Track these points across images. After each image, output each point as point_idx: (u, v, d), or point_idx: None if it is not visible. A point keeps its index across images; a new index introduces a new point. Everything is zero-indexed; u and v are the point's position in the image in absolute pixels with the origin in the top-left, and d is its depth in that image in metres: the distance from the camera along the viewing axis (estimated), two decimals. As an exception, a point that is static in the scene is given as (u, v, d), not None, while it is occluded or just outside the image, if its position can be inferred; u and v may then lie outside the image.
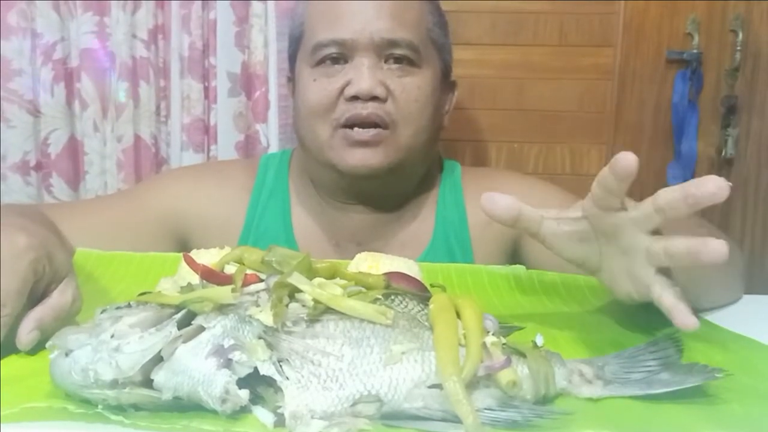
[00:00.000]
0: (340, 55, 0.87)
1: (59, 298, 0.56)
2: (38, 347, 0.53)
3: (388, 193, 0.93)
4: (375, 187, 0.91)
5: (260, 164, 1.00)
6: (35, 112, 1.29)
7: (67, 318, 0.56)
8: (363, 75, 0.85)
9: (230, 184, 0.97)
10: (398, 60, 0.87)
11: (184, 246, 0.94)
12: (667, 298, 0.51)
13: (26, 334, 0.53)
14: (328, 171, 0.90)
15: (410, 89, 0.87)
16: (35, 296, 0.55)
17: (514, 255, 0.94)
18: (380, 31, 0.86)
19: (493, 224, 0.91)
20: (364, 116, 0.85)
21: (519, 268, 0.80)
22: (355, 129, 0.86)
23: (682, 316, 0.50)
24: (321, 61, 0.88)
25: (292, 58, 0.95)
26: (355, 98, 0.85)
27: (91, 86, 1.29)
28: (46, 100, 1.29)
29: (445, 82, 0.96)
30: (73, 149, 1.32)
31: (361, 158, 0.86)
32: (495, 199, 0.56)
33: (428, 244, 0.94)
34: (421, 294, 0.54)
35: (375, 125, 0.86)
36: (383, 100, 0.86)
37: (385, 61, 0.87)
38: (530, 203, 0.92)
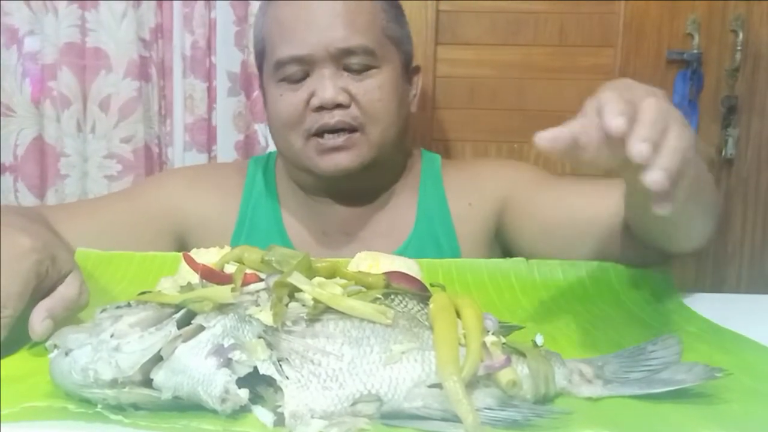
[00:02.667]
0: (302, 69, 0.90)
1: (66, 290, 0.56)
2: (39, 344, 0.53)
3: (367, 187, 0.97)
4: (353, 185, 0.94)
5: (249, 165, 1.04)
6: (6, 111, 1.24)
7: (76, 310, 0.56)
8: (325, 86, 0.88)
9: (224, 183, 1.01)
10: (357, 65, 0.90)
11: (182, 243, 0.97)
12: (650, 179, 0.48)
13: (39, 323, 0.53)
14: (307, 174, 0.95)
15: (372, 90, 0.90)
16: (40, 296, 0.55)
17: (497, 234, 0.97)
18: (335, 41, 0.88)
19: (473, 207, 0.97)
20: (332, 125, 0.89)
21: (520, 261, 0.80)
22: (326, 136, 0.90)
23: (656, 199, 0.49)
24: (284, 78, 0.91)
25: (260, 70, 0.99)
26: (321, 108, 0.88)
27: (74, 83, 1.26)
28: (17, 97, 1.25)
29: (407, 71, 0.98)
30: (40, 151, 1.27)
31: (335, 163, 0.90)
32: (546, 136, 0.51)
33: (412, 231, 0.97)
34: (421, 293, 0.54)
35: (344, 130, 0.89)
36: (347, 106, 0.89)
37: (345, 69, 0.90)
38: (507, 185, 0.97)
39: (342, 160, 0.90)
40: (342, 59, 0.89)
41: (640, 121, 0.49)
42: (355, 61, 0.89)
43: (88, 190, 1.30)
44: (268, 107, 0.96)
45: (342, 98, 0.88)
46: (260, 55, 0.97)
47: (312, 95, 0.89)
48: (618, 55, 1.34)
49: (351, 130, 0.89)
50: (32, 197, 1.28)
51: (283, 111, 0.91)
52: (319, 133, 0.89)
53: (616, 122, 0.47)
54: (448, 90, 1.35)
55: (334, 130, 0.89)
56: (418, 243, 0.95)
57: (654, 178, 0.47)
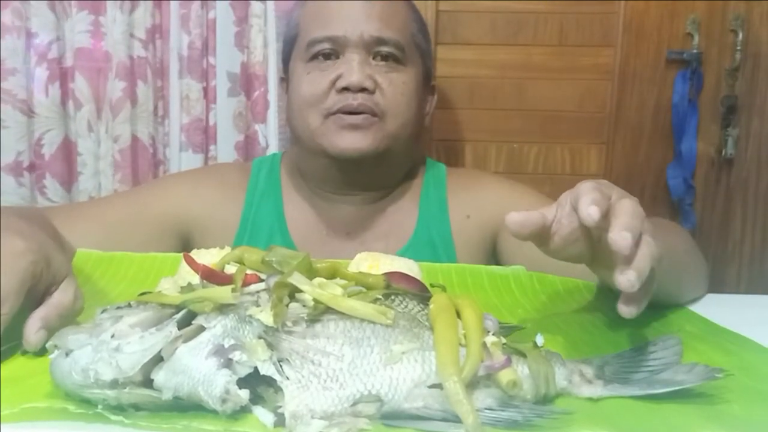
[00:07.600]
0: (332, 51, 0.93)
1: (61, 296, 0.56)
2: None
3: (373, 182, 0.98)
4: (362, 174, 0.96)
5: (253, 167, 1.05)
6: (29, 112, 1.28)
7: (71, 316, 0.56)
8: (353, 69, 0.91)
9: (227, 183, 1.02)
10: (385, 57, 0.94)
11: (185, 243, 0.97)
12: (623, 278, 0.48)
13: (33, 333, 0.53)
14: (319, 159, 0.95)
15: (396, 83, 0.94)
16: (34, 299, 0.55)
17: (494, 247, 0.99)
18: (370, 29, 0.92)
19: (472, 219, 0.99)
20: (354, 106, 0.91)
21: (519, 269, 0.80)
22: (345, 115, 0.92)
23: (624, 300, 0.49)
24: (314, 56, 0.94)
25: (286, 60, 1.01)
26: (345, 90, 0.91)
27: (86, 86, 1.28)
28: (40, 100, 1.28)
29: (426, 85, 1.03)
30: (67, 150, 1.31)
31: (351, 141, 0.91)
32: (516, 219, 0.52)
33: (411, 236, 0.98)
34: (422, 294, 0.54)
35: (365, 114, 0.92)
36: (371, 92, 0.92)
37: (374, 58, 0.93)
38: (507, 205, 0.97)
39: (359, 140, 0.91)
40: (373, 48, 0.93)
41: (623, 213, 0.49)
42: (385, 50, 0.93)
43: (103, 187, 1.33)
44: (292, 89, 0.98)
45: (368, 83, 0.91)
46: (290, 42, 1.00)
47: (339, 77, 0.91)
48: (618, 55, 1.34)
49: (371, 114, 0.92)
50: (63, 192, 1.32)
51: (308, 89, 0.93)
52: (339, 113, 0.92)
53: (590, 210, 0.47)
54: (448, 90, 1.35)
55: (355, 112, 0.91)
56: (416, 248, 0.96)
57: (628, 278, 0.47)
